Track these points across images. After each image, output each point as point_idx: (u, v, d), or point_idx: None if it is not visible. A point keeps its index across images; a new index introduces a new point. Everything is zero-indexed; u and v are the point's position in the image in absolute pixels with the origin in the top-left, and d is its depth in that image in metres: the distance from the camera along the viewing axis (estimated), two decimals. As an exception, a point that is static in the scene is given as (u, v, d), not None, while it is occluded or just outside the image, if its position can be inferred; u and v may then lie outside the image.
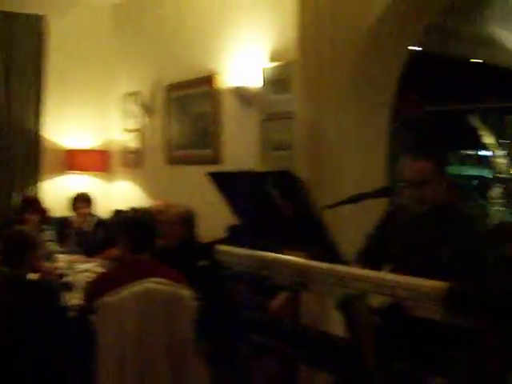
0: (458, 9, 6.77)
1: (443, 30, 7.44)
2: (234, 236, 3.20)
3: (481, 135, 14.64)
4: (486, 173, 16.09)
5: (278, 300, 3.95)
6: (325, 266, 2.23)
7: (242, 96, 5.42)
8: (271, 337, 2.58)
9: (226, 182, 2.62)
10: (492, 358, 2.35)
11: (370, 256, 3.19)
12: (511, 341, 2.24)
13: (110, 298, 3.31)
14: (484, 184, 15.17)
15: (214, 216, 4.27)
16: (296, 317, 4.22)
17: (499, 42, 8.59)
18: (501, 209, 12.52)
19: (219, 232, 4.49)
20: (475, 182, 17.66)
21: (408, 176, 2.99)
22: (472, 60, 9.30)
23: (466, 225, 2.97)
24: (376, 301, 2.11)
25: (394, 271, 2.68)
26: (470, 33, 8.27)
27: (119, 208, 6.62)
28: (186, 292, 3.47)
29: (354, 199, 2.90)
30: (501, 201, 12.89)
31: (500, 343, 2.30)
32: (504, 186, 13.56)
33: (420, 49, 6.88)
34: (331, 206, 2.83)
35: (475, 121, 14.55)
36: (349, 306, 2.06)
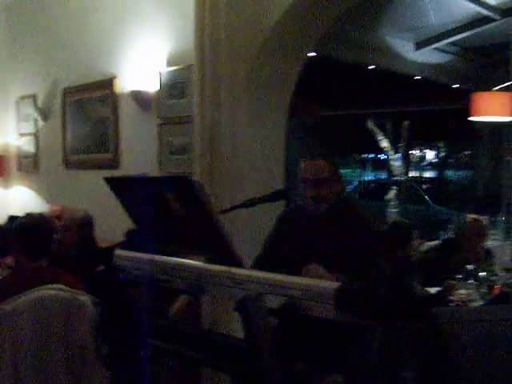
0: (353, 17, 6.97)
1: (339, 36, 7.64)
2: (133, 240, 3.18)
3: (378, 139, 15.14)
4: (384, 176, 16.60)
5: (178, 304, 3.96)
6: (222, 269, 2.26)
7: (140, 100, 5.39)
8: (172, 340, 2.59)
9: (123, 187, 2.61)
10: (382, 354, 2.44)
11: (268, 259, 3.26)
12: (397, 337, 2.34)
13: (5, 307, 3.23)
14: (381, 186, 15.68)
15: (112, 220, 4.22)
16: (197, 320, 4.24)
17: (392, 49, 8.90)
18: (395, 210, 13.04)
19: (118, 237, 4.45)
20: (373, 185, 18.16)
21: (305, 175, 3.09)
22: (369, 67, 9.59)
23: (361, 225, 3.07)
24: (274, 302, 2.16)
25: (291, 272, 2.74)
26: (364, 40, 8.53)
27: (15, 214, 6.44)
28: (84, 298, 3.42)
29: (250, 203, 2.94)
30: (395, 202, 13.41)
31: (385, 339, 2.40)
32: (398, 188, 14.10)
33: (315, 54, 7.04)
34: (227, 210, 2.86)
35: (372, 126, 15.03)
36: (246, 307, 2.09)
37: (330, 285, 2.05)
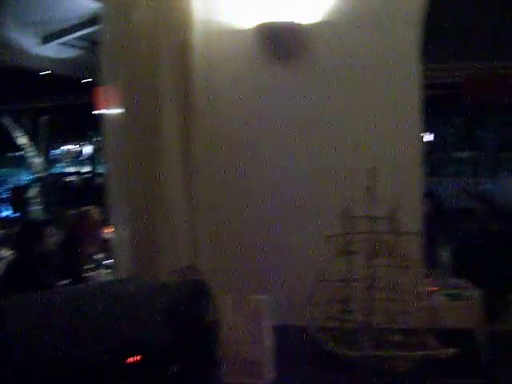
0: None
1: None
2: None
3: (16, 136, 14.74)
4: (27, 173, 16.14)
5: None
6: None
7: None
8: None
9: None
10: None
11: None
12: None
13: None
14: (26, 185, 15.28)
15: None
16: None
17: (14, 44, 8.72)
18: (39, 207, 12.77)
19: None
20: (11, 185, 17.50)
21: None
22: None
23: None
24: None
25: None
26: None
27: None
28: None
29: None
30: (39, 199, 13.16)
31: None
32: (40, 184, 13.89)
33: None
34: None
35: (9, 122, 14.59)
36: None
37: None
